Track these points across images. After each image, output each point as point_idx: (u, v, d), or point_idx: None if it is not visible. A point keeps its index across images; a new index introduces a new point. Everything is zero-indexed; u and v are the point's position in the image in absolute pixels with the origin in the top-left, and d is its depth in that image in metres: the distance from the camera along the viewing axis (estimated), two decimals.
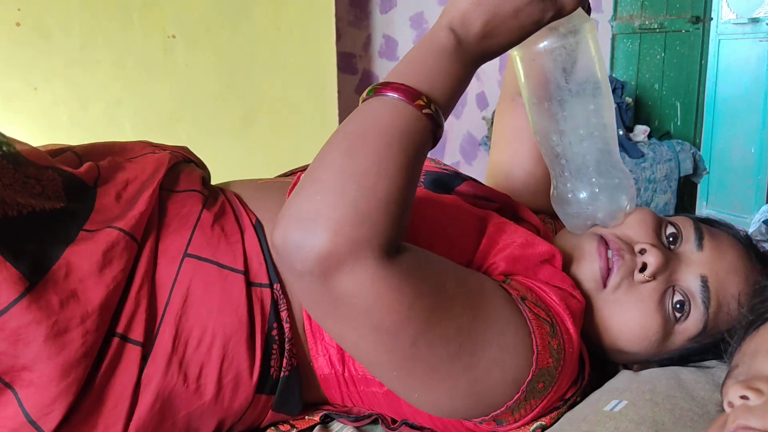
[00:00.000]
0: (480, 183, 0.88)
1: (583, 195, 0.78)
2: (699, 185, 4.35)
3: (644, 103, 3.36)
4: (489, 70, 2.99)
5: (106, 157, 0.78)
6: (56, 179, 0.69)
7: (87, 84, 1.86)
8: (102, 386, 0.63)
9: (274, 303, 0.69)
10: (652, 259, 0.75)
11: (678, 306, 0.75)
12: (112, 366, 0.64)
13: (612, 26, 3.39)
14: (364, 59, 2.66)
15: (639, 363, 0.79)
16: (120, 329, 0.64)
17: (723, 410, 0.52)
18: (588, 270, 0.77)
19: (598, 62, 0.75)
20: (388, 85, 0.61)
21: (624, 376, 0.75)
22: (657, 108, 3.31)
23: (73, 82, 1.84)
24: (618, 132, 2.82)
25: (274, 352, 0.69)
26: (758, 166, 4.01)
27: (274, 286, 0.70)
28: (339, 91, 2.29)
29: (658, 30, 3.25)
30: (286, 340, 0.69)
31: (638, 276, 0.75)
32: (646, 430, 0.63)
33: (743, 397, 0.50)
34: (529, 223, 0.84)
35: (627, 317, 0.75)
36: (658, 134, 3.18)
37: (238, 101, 2.04)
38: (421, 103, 0.60)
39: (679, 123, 3.24)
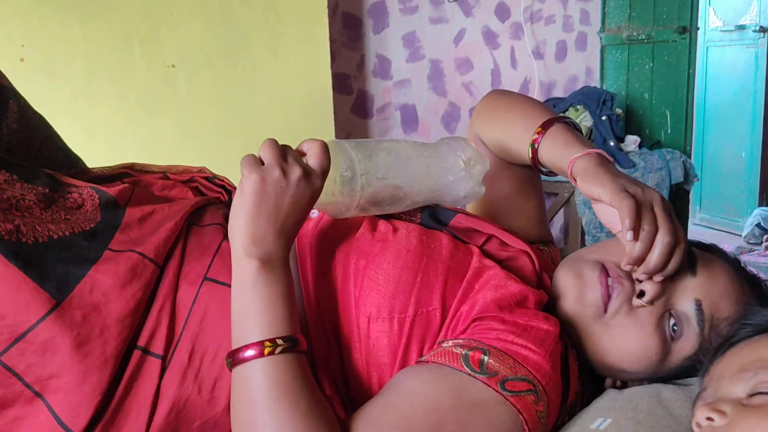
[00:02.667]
0: (471, 215, 0.94)
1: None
2: (692, 191, 4.42)
3: (635, 113, 3.42)
4: (481, 84, 3.06)
5: (150, 188, 0.90)
6: (94, 195, 0.78)
7: (92, 118, 1.92)
8: (125, 394, 0.71)
9: None
10: (649, 286, 0.80)
11: (675, 329, 0.81)
12: (134, 376, 0.72)
13: (601, 38, 3.45)
14: (358, 79, 2.72)
15: (637, 381, 0.85)
16: (142, 343, 0.73)
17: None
18: (590, 296, 0.82)
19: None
20: (239, 351, 0.69)
21: (610, 395, 0.81)
22: (647, 117, 3.38)
23: (78, 117, 1.90)
24: (610, 143, 2.88)
25: None
26: (749, 171, 4.08)
27: None
28: (335, 112, 2.35)
29: (645, 41, 3.32)
30: None
31: (636, 301, 0.81)
32: None
33: (709, 419, 0.55)
34: (518, 249, 0.90)
35: (628, 340, 0.81)
36: (649, 143, 3.24)
37: (239, 129, 2.10)
38: (270, 349, 0.68)
39: (669, 131, 3.30)
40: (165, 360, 0.73)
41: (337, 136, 2.44)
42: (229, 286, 0.75)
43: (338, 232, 0.84)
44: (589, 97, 2.94)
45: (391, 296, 0.77)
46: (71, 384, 0.68)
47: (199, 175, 0.99)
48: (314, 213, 0.87)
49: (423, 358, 0.75)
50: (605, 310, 0.82)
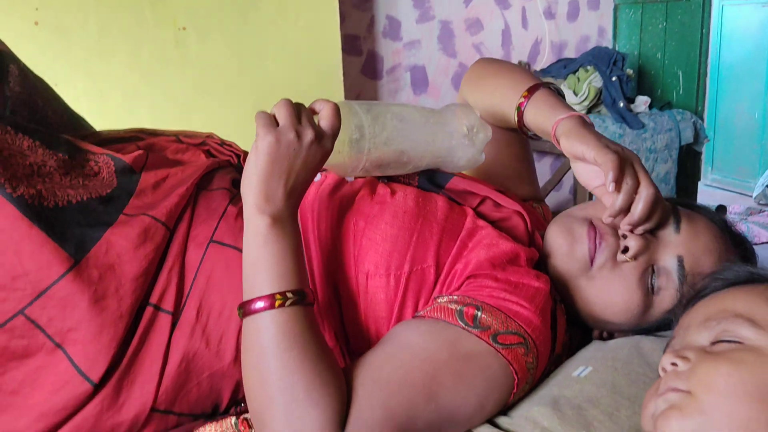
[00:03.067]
0: (467, 177, 0.97)
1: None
2: (704, 152, 4.39)
3: (647, 73, 3.40)
4: (491, 45, 3.05)
5: (164, 152, 0.94)
6: (110, 162, 0.83)
7: (105, 77, 1.96)
8: (138, 347, 0.77)
9: None
10: (633, 242, 0.84)
11: (655, 283, 0.85)
12: (146, 330, 0.77)
13: None
14: (368, 40, 2.73)
15: (621, 332, 0.90)
16: (153, 300, 0.78)
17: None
18: (579, 251, 0.87)
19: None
20: (250, 303, 0.73)
21: (594, 346, 0.86)
22: (660, 78, 3.36)
23: (92, 76, 1.94)
24: (619, 104, 2.88)
25: None
26: (762, 131, 4.05)
27: None
28: (345, 73, 2.37)
29: (659, 0, 3.28)
30: None
31: (620, 257, 0.85)
32: (605, 392, 0.74)
33: (673, 364, 0.60)
34: (511, 210, 0.94)
35: (612, 293, 0.86)
36: (661, 103, 3.23)
37: (250, 89, 2.13)
38: (280, 301, 0.72)
39: (681, 92, 3.29)
40: (175, 316, 0.79)
41: (346, 98, 2.46)
42: (233, 248, 0.80)
43: (339, 195, 0.88)
44: (599, 58, 2.93)
45: (388, 254, 0.82)
46: (89, 336, 0.73)
47: (209, 139, 1.04)
48: (318, 176, 0.92)
49: (420, 313, 0.80)
50: (591, 265, 0.86)
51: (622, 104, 2.86)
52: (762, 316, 0.59)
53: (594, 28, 3.42)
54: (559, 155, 2.98)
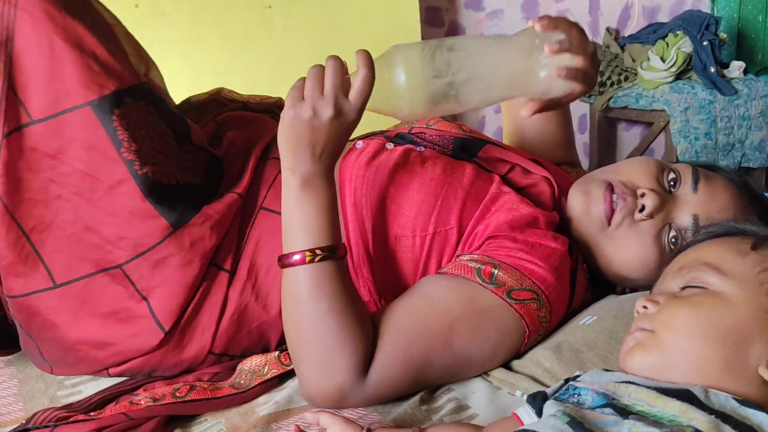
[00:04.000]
0: (498, 145, 1.04)
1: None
2: None
3: (747, 37, 3.25)
4: (578, 11, 3.02)
5: (237, 127, 1.07)
6: (203, 158, 0.95)
7: (199, 56, 2.14)
8: (201, 300, 0.90)
9: None
10: (650, 201, 0.89)
11: (673, 240, 0.89)
12: (209, 286, 0.90)
13: None
14: (450, 11, 2.78)
15: (642, 288, 0.94)
16: (217, 261, 0.91)
17: None
18: (595, 211, 0.92)
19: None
20: (287, 257, 0.80)
21: (607, 300, 0.92)
22: (760, 41, 3.21)
23: (187, 55, 2.12)
24: (710, 69, 2.79)
25: None
26: None
27: None
28: None
29: None
30: None
31: (638, 215, 0.90)
32: (603, 337, 0.80)
33: (645, 307, 0.66)
34: (539, 177, 0.99)
35: (629, 250, 0.91)
36: (756, 69, 3.09)
37: None
38: (310, 257, 0.79)
39: None
40: (231, 274, 0.91)
41: None
42: (278, 213, 0.91)
43: (376, 164, 0.96)
44: (690, 22, 2.83)
45: (414, 217, 0.90)
46: (170, 294, 0.88)
47: (275, 106, 1.15)
48: (360, 144, 1.00)
49: (442, 270, 0.88)
50: (609, 224, 0.91)
51: (713, 69, 2.77)
52: (728, 265, 0.64)
53: None
54: (649, 124, 2.92)
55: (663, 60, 2.77)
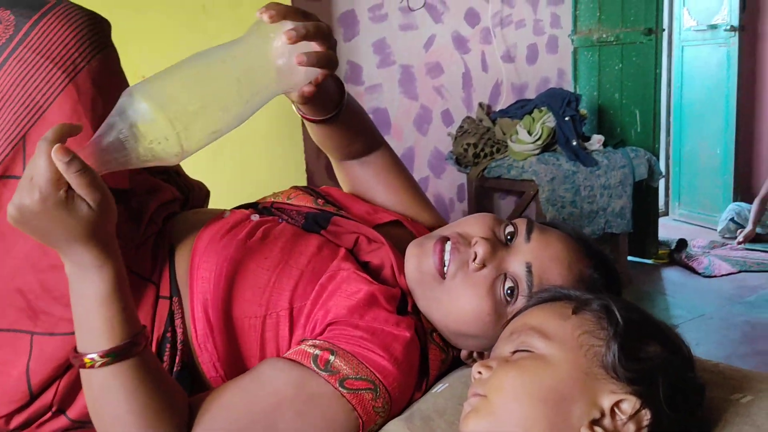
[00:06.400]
0: (346, 218, 1.01)
1: None
2: (671, 187, 4.50)
3: (606, 112, 3.54)
4: (452, 88, 3.18)
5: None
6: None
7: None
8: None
9: (171, 313, 0.89)
10: (480, 249, 0.88)
11: (509, 291, 0.87)
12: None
13: (572, 40, 3.57)
14: None
15: (486, 349, 0.91)
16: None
17: None
18: (425, 265, 0.91)
19: None
20: (77, 358, 0.77)
21: (460, 368, 0.94)
22: (618, 117, 3.49)
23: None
24: (572, 142, 3.00)
25: (167, 350, 0.88)
26: (724, 167, 4.17)
27: (173, 299, 0.89)
28: None
29: (614, 42, 3.43)
30: (178, 341, 0.88)
31: (472, 265, 0.88)
32: (452, 404, 0.82)
33: (480, 372, 0.69)
34: (381, 245, 0.97)
35: (462, 302, 0.88)
36: (614, 142, 3.35)
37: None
38: (101, 362, 0.75)
39: (639, 130, 3.42)
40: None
41: (307, 142, 2.56)
42: (135, 274, 0.88)
43: (228, 237, 0.93)
44: (553, 99, 3.05)
45: (247, 300, 0.88)
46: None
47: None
48: (227, 213, 0.98)
49: (286, 354, 0.86)
50: (442, 276, 0.90)
51: (575, 143, 2.98)
52: (552, 329, 0.68)
53: (554, 70, 3.56)
54: (521, 193, 3.09)
55: (530, 133, 2.96)
